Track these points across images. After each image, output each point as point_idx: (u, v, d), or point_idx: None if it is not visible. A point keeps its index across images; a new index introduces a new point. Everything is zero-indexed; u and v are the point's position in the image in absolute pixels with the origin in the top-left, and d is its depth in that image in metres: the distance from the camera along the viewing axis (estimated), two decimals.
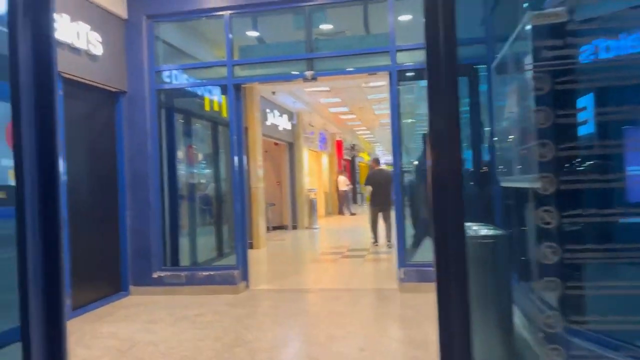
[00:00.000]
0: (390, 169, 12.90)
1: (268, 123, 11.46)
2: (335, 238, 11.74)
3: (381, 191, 9.39)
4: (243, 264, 6.08)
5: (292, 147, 14.12)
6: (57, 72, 1.60)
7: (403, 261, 5.69)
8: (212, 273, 5.93)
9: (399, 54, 5.76)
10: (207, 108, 7.80)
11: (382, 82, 11.23)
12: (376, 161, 10.83)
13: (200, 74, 6.32)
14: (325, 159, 19.65)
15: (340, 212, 19.04)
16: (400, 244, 5.73)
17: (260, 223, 10.10)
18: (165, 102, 6.41)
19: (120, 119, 6.06)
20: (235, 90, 6.09)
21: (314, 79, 5.87)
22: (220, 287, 5.88)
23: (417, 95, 12.93)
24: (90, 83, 5.46)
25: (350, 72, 5.93)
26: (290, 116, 13.16)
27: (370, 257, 8.31)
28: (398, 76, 5.81)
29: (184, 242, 6.92)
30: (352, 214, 18.59)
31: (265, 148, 14.13)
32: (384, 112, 15.71)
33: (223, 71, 6.08)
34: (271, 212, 13.90)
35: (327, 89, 11.54)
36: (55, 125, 1.54)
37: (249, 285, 6.14)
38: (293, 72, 5.99)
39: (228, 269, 5.98)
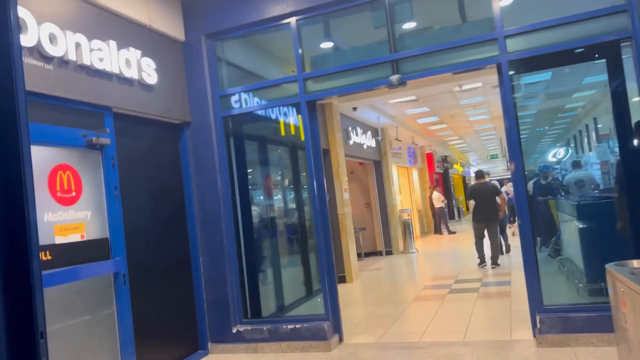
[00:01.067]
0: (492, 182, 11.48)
1: (351, 142, 10.52)
2: (437, 264, 10.40)
3: (485, 204, 9.06)
4: (334, 312, 5.08)
5: (378, 166, 13.04)
6: (23, 89, 1.33)
7: (539, 303, 4.37)
8: (297, 326, 4.99)
9: (508, 41, 4.55)
10: (282, 132, 7.02)
11: (477, 83, 9.90)
12: (479, 174, 9.94)
13: (270, 94, 5.51)
14: (415, 175, 18.31)
15: (437, 232, 17.51)
16: (534, 279, 4.41)
17: (351, 253, 9.09)
18: (234, 130, 5.68)
19: (185, 153, 5.39)
20: (309, 108, 5.20)
21: (401, 83, 4.81)
22: (309, 344, 4.91)
23: (523, 93, 11.38)
24: (147, 116, 4.84)
25: (446, 70, 4.79)
26: (375, 132, 12.13)
27: (484, 291, 6.95)
28: (510, 68, 4.57)
29: (266, 287, 6.08)
30: (451, 233, 17.00)
31: (350, 169, 13.22)
32: (480, 117, 14.19)
33: (294, 88, 5.21)
34: (362, 237, 12.87)
35: (414, 98, 10.39)
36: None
37: (343, 339, 5.11)
38: (375, 79, 4.98)
39: (316, 320, 5.00)
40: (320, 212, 5.17)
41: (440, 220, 17.43)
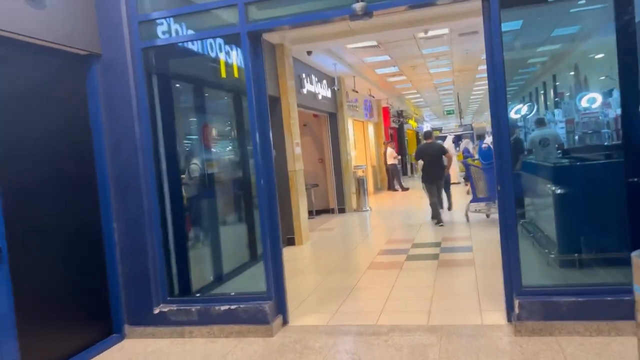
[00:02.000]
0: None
1: (304, 91, 9.51)
2: (392, 224, 9.81)
3: (434, 164, 9.14)
4: (277, 290, 4.28)
5: (333, 118, 12.14)
6: None
7: (518, 285, 3.72)
8: (233, 307, 4.16)
9: None
10: (223, 74, 5.96)
11: (444, 29, 9.02)
12: (428, 134, 10.08)
13: (203, 22, 4.42)
14: (371, 129, 17.56)
15: (391, 188, 17.03)
16: (513, 257, 3.74)
17: (301, 213, 8.30)
18: (159, 67, 4.58)
19: (94, 94, 4.27)
20: (252, 41, 4.16)
21: (367, 14, 3.85)
22: (247, 328, 4.11)
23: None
24: (39, 43, 3.68)
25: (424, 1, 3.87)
26: (331, 82, 11.13)
27: (445, 259, 6.36)
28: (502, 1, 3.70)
29: (198, 257, 5.19)
30: (405, 189, 16.55)
31: (303, 121, 12.25)
32: (441, 69, 13.42)
33: (233, 15, 4.15)
34: (314, 194, 12.11)
35: (375, 43, 9.42)
36: None
37: (288, 320, 4.34)
38: (335, 7, 3.99)
39: (256, 299, 4.18)
40: (264, 169, 4.27)
41: (393, 177, 16.91)
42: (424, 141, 10.12)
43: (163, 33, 4.34)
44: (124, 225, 4.33)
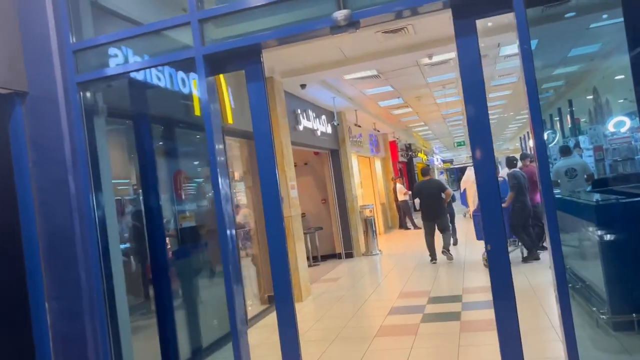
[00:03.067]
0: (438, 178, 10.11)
1: (300, 128, 8.69)
2: (404, 271, 8.76)
3: (432, 202, 8.99)
4: None
5: (336, 155, 11.28)
6: None
7: None
8: None
9: None
10: (197, 111, 5.16)
11: (449, 53, 8.21)
12: (425, 171, 9.86)
13: (155, 47, 3.60)
14: (378, 165, 16.68)
15: (403, 226, 15.97)
16: (571, 345, 2.71)
17: (300, 264, 7.31)
18: (102, 105, 3.74)
19: (18, 141, 3.43)
20: (210, 67, 3.32)
21: (351, 24, 3.00)
22: None
23: (500, 67, 9.74)
24: None
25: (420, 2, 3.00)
26: (330, 117, 10.33)
27: (467, 319, 5.30)
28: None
29: (166, 338, 4.21)
30: (417, 228, 15.46)
31: (303, 160, 11.42)
32: (448, 99, 12.59)
33: (187, 35, 3.32)
34: (318, 238, 11.13)
35: (375, 73, 8.63)
36: None
37: None
38: (313, 19, 3.14)
39: None
40: (224, 219, 3.31)
41: (404, 215, 15.88)
42: (422, 178, 9.62)
43: (104, 63, 3.52)
44: (57, 305, 3.39)
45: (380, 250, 11.28)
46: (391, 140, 18.40)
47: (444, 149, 35.21)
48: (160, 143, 4.84)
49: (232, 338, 3.24)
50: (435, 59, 7.94)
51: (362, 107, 11.72)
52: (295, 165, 11.89)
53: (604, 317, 4.25)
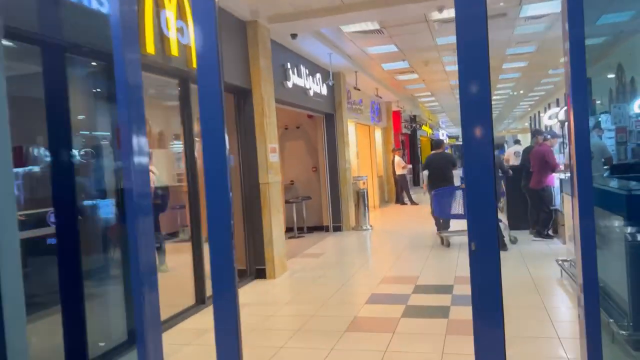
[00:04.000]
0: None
1: (289, 84, 7.73)
2: (394, 250, 7.98)
3: (443, 175, 8.28)
4: None
5: (331, 120, 10.35)
6: None
7: None
8: None
9: None
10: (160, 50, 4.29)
11: None
12: (438, 143, 9.11)
13: None
14: (378, 135, 15.73)
15: (399, 201, 15.16)
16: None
17: (275, 237, 6.51)
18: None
19: None
20: None
21: None
22: None
23: (519, 32, 8.69)
24: None
25: None
26: (326, 76, 9.34)
27: (457, 317, 4.50)
28: None
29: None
30: (415, 204, 14.66)
31: (296, 122, 10.51)
32: None
33: None
34: (306, 208, 10.32)
35: (377, 26, 7.61)
36: None
37: None
38: None
39: None
40: (139, 188, 2.45)
41: (402, 189, 15.04)
42: (434, 151, 8.97)
43: None
44: None
45: (371, 226, 10.48)
46: (395, 110, 17.39)
47: (450, 124, 34.09)
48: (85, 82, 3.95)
49: (137, 336, 2.42)
50: (447, 14, 6.91)
51: (363, 68, 10.71)
52: (286, 128, 11.03)
53: (623, 332, 3.44)
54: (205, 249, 5.20)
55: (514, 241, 7.59)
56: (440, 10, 6.51)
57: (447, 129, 37.93)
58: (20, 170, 3.28)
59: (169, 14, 4.54)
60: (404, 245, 8.21)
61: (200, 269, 5.28)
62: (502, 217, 8.03)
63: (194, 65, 4.97)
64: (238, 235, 6.50)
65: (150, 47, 4.24)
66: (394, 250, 8.02)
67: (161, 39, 4.49)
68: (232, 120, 6.44)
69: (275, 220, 6.52)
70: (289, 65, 7.74)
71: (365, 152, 14.55)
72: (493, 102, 21.68)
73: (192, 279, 5.27)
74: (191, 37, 4.91)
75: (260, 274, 6.47)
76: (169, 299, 4.12)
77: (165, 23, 4.52)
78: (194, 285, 5.27)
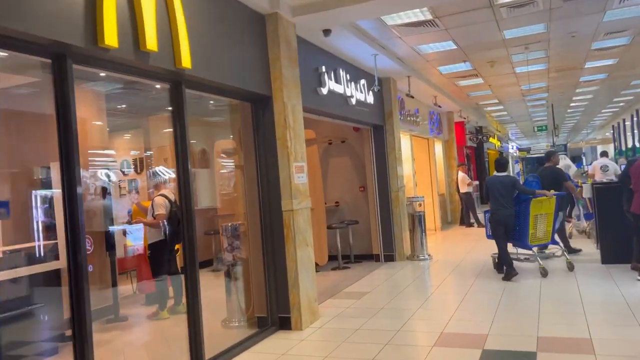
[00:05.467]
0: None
1: (324, 91, 6.51)
2: (456, 289, 6.48)
3: (501, 201, 6.80)
4: None
5: (380, 133, 9.01)
6: None
7: None
8: None
9: None
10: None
11: None
12: (500, 164, 7.25)
13: None
14: (438, 149, 14.14)
15: (465, 223, 13.44)
16: None
17: (302, 278, 5.24)
18: None
19: None
20: None
21: None
22: None
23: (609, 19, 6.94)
24: None
25: None
26: (372, 82, 8.04)
27: None
28: None
29: None
30: (481, 225, 12.88)
31: (340, 136, 9.30)
32: (532, 67, 9.86)
33: None
34: (352, 234, 9.01)
35: (429, 16, 6.23)
36: None
37: None
38: None
39: None
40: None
41: (467, 209, 13.32)
42: (496, 173, 7.16)
43: None
44: None
45: (429, 255, 8.96)
46: (457, 121, 15.74)
47: (521, 135, 31.49)
48: None
49: None
50: None
51: (416, 72, 9.32)
52: (329, 143, 9.80)
53: None
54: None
55: (570, 268, 6.73)
56: None
57: (518, 141, 35.20)
58: None
59: None
60: (469, 282, 6.66)
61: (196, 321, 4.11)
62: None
63: (186, 63, 3.90)
64: (257, 273, 5.30)
65: (110, 38, 3.16)
66: (456, 289, 6.50)
67: (132, 26, 3.42)
68: (250, 134, 5.30)
69: (302, 256, 5.26)
70: (323, 69, 6.53)
71: (423, 168, 13.04)
72: (570, 109, 19.29)
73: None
74: (180, 26, 3.82)
75: (284, 324, 5.20)
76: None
77: (137, 5, 3.45)
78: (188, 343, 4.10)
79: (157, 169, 6.58)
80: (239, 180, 5.67)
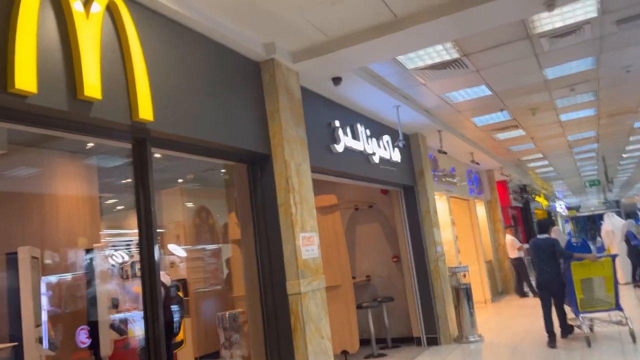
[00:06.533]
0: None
1: (339, 149, 5.63)
2: None
3: (541, 265, 6.61)
4: None
5: (411, 195, 7.97)
6: None
7: None
8: None
9: None
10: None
11: (588, 2, 4.74)
12: (542, 225, 7.33)
13: None
14: (480, 211, 12.86)
15: (518, 293, 11.83)
16: None
17: None
18: None
19: None
20: None
21: None
22: None
23: None
24: None
25: None
26: (395, 138, 7.13)
27: None
28: None
29: None
30: (537, 295, 11.24)
31: (367, 200, 8.33)
32: (582, 113, 8.79)
33: None
34: (387, 313, 7.76)
35: (453, 53, 5.36)
36: None
37: None
38: None
39: None
40: None
41: (521, 277, 11.76)
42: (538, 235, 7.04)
43: None
44: None
45: (480, 336, 7.54)
46: (499, 180, 14.51)
47: (569, 193, 29.52)
48: None
49: None
50: (560, 19, 4.54)
51: (447, 125, 8.39)
52: (356, 209, 8.82)
53: None
54: None
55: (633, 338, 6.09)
56: (551, 7, 4.15)
57: (566, 199, 33.08)
58: None
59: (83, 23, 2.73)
60: None
61: None
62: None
63: (145, 115, 3.10)
64: None
65: (25, 81, 2.39)
66: None
67: (65, 70, 2.66)
68: (246, 201, 4.40)
69: (315, 352, 4.13)
70: (337, 124, 5.69)
71: (465, 233, 11.75)
72: (622, 161, 17.69)
73: None
74: (137, 70, 3.06)
75: None
76: None
77: (73, 44, 2.70)
78: None
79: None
80: (237, 258, 4.71)
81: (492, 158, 11.83)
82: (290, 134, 4.47)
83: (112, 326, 5.33)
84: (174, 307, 5.21)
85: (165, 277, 5.33)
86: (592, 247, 8.71)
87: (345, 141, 5.79)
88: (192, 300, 7.71)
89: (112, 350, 5.28)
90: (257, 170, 4.41)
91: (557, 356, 5.95)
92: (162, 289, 5.10)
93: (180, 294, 5.77)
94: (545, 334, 6.59)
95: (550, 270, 6.49)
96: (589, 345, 6.18)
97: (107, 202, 8.24)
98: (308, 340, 4.07)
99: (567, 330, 6.78)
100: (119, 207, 8.77)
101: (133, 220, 3.26)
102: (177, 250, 7.99)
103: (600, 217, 24.37)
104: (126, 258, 6.78)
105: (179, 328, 5.38)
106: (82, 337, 5.43)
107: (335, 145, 5.56)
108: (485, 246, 12.39)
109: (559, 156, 14.18)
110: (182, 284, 7.31)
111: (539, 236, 6.89)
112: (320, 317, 4.32)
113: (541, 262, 6.57)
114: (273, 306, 4.21)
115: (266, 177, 4.38)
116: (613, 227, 12.00)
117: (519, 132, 9.91)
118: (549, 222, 7.30)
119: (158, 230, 3.35)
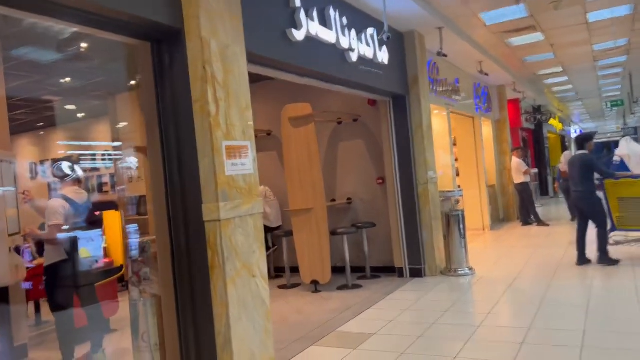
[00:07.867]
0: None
1: (299, 36, 4.33)
2: (509, 336, 4.18)
3: (574, 181, 6.38)
4: None
5: (402, 106, 6.73)
6: None
7: None
8: None
9: None
10: None
11: None
12: (583, 140, 6.60)
13: None
14: (486, 130, 11.57)
15: (522, 220, 10.88)
16: None
17: (242, 331, 3.14)
18: None
19: None
20: None
21: None
22: None
23: None
24: None
25: None
26: (379, 28, 5.72)
27: None
28: None
29: None
30: (542, 224, 10.31)
31: (351, 112, 7.15)
32: (616, 11, 7.25)
33: None
34: (368, 240, 6.83)
35: None
36: None
37: None
38: None
39: None
40: None
41: (524, 204, 10.73)
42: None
43: None
44: None
45: (470, 268, 6.62)
46: (511, 98, 13.08)
47: (586, 117, 27.79)
48: None
49: None
50: None
51: (450, 22, 6.94)
52: (339, 122, 7.61)
53: None
54: None
55: None
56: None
57: (582, 124, 31.37)
58: None
59: None
60: (534, 312, 4.33)
61: None
62: None
63: None
64: (170, 327, 3.25)
65: None
66: (514, 320, 4.20)
67: None
68: (151, 95, 3.23)
69: (242, 295, 3.15)
70: (298, 3, 4.36)
71: (467, 154, 10.59)
72: None
73: None
74: None
75: None
76: None
77: None
78: None
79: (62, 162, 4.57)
80: (142, 172, 3.64)
81: (504, 70, 10.34)
82: (212, 3, 3.19)
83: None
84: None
85: (78, 194, 4.31)
86: None
87: (310, 27, 4.49)
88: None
89: None
90: (164, 51, 3.19)
91: (574, 298, 4.99)
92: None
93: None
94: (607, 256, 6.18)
95: (582, 189, 6.19)
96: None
97: None
98: (230, 280, 3.07)
99: (605, 258, 6.10)
100: None
101: None
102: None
103: (615, 144, 22.99)
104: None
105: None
106: None
107: (294, 30, 4.27)
108: (489, 169, 11.26)
109: (581, 71, 12.60)
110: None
111: (577, 152, 6.57)
112: (252, 251, 3.29)
113: (573, 180, 6.37)
114: (185, 236, 3.18)
115: (178, 62, 3.17)
116: (630, 151, 10.74)
117: (537, 37, 8.39)
118: (586, 136, 6.64)
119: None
